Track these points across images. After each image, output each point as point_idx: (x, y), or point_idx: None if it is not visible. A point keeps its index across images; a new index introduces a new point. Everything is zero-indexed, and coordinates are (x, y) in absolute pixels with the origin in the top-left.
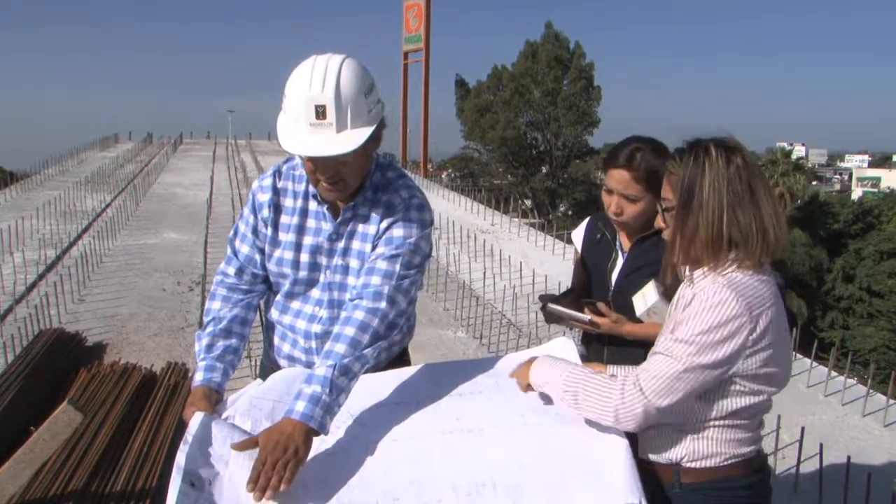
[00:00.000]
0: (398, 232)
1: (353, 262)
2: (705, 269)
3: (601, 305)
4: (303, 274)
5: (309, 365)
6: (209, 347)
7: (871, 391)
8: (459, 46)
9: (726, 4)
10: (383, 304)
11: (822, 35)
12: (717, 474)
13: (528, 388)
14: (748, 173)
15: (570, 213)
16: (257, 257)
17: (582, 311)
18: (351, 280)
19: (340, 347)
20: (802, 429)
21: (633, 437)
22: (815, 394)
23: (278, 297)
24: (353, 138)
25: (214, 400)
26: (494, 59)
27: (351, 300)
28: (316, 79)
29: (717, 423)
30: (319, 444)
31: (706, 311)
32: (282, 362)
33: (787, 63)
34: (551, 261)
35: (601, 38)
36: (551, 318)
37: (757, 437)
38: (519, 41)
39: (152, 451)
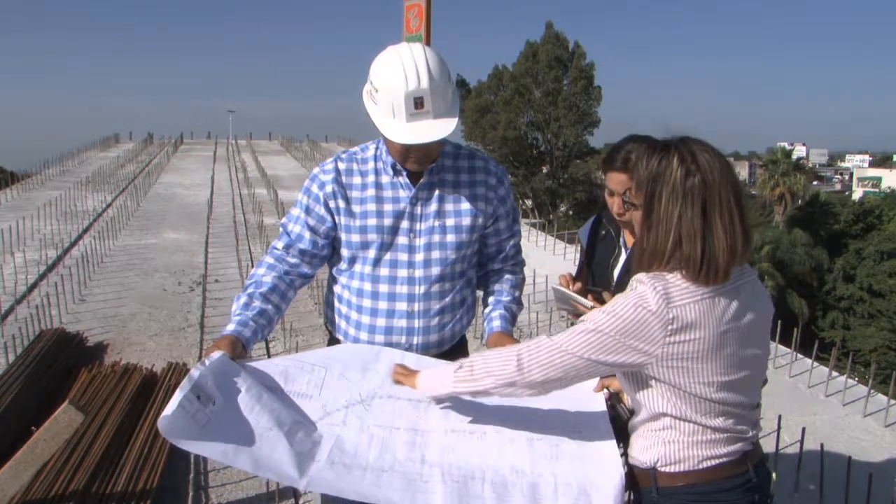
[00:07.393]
0: (502, 192)
1: (450, 221)
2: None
3: (606, 295)
4: (388, 237)
5: (410, 336)
6: (246, 306)
7: (871, 391)
8: (459, 46)
9: (726, 4)
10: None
11: (822, 34)
12: (692, 478)
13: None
14: (704, 193)
15: (570, 213)
16: (307, 235)
17: (587, 298)
18: (450, 237)
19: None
20: (803, 429)
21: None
22: (815, 394)
23: (365, 269)
24: (448, 122)
25: (238, 353)
26: (494, 59)
27: (502, 260)
28: (410, 73)
29: (682, 423)
30: (323, 415)
31: (627, 293)
32: (377, 338)
33: (787, 63)
34: (552, 261)
35: (601, 38)
36: (558, 299)
37: (739, 437)
38: (519, 41)
39: (153, 452)
